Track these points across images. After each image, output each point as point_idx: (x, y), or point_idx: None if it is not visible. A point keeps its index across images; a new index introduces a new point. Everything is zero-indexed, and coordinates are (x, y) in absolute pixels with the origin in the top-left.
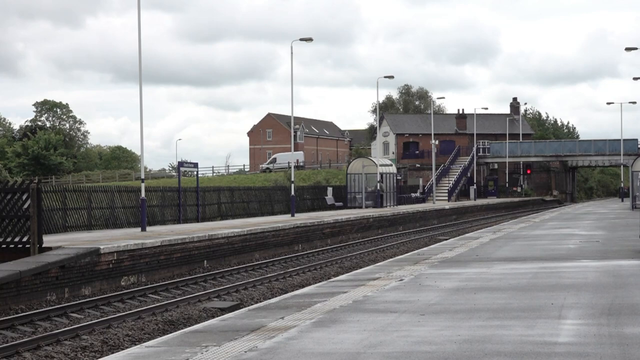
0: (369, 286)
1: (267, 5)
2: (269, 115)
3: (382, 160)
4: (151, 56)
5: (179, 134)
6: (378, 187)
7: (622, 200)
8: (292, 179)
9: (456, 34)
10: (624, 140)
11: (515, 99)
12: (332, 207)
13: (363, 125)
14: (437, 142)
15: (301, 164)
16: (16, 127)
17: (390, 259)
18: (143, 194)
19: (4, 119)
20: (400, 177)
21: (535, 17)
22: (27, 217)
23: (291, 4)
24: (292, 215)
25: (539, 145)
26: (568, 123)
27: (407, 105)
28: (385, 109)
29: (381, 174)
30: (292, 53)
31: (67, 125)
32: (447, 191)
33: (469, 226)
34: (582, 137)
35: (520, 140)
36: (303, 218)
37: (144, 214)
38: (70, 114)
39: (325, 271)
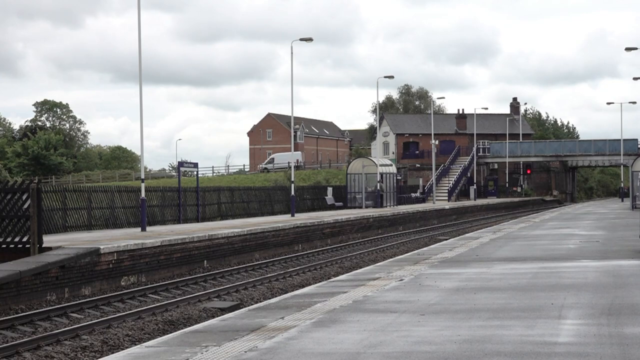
0: (369, 286)
1: (266, 5)
2: (269, 115)
3: (382, 160)
4: (151, 56)
5: (179, 134)
6: (378, 187)
7: (622, 200)
8: (292, 179)
9: (456, 34)
10: (624, 140)
11: (515, 99)
12: (332, 207)
13: (363, 125)
14: (437, 142)
15: (300, 164)
16: (16, 127)
17: (390, 259)
18: (143, 194)
19: (4, 119)
20: (400, 177)
21: (535, 17)
22: (27, 217)
23: (291, 4)
24: (292, 215)
25: (539, 145)
26: (568, 123)
27: (407, 105)
28: (385, 109)
29: (381, 174)
30: (292, 53)
31: (67, 125)
32: (447, 191)
33: (469, 226)
34: (582, 137)
35: (520, 140)
36: (303, 218)
37: (144, 214)
38: (70, 114)
39: (325, 271)
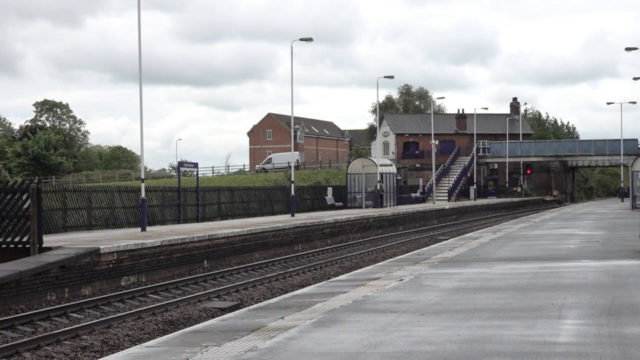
0: (369, 286)
1: (266, 5)
2: (269, 115)
3: (382, 160)
4: (151, 56)
5: (179, 134)
6: (378, 187)
7: (622, 200)
8: (292, 179)
9: (456, 34)
10: (624, 140)
11: (515, 99)
12: (332, 207)
13: (363, 125)
14: (437, 142)
15: (298, 164)
16: (16, 127)
17: (390, 259)
18: (143, 194)
19: (4, 119)
20: (400, 177)
21: (535, 17)
22: (27, 217)
23: (291, 4)
24: (292, 215)
25: (539, 145)
26: (568, 123)
27: (407, 105)
28: (385, 109)
29: (381, 174)
30: (292, 53)
31: (67, 125)
32: (447, 191)
33: (469, 226)
34: (582, 137)
35: (520, 140)
36: (303, 218)
37: (144, 214)
38: (70, 114)
39: (325, 271)
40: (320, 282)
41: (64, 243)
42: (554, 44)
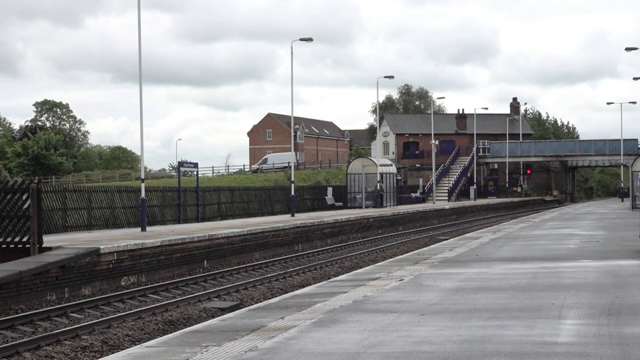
0: (369, 286)
1: (266, 5)
2: (269, 115)
3: (382, 160)
4: (151, 56)
5: (179, 134)
6: (378, 187)
7: (622, 200)
8: (292, 179)
9: (456, 34)
10: (624, 140)
11: (515, 99)
12: (332, 207)
13: (363, 125)
14: (437, 142)
15: (294, 164)
16: (16, 127)
17: (390, 259)
18: (143, 194)
19: (4, 119)
20: (400, 177)
21: (535, 17)
22: (27, 217)
23: (290, 4)
24: (292, 215)
25: (539, 145)
26: (568, 123)
27: (407, 105)
28: (385, 109)
29: (381, 174)
30: (292, 53)
31: (67, 125)
32: (447, 191)
33: (469, 226)
34: (582, 137)
35: (520, 140)
36: (303, 218)
37: (143, 214)
38: (70, 114)
39: (325, 271)
40: (320, 282)
41: (64, 243)
42: (554, 44)
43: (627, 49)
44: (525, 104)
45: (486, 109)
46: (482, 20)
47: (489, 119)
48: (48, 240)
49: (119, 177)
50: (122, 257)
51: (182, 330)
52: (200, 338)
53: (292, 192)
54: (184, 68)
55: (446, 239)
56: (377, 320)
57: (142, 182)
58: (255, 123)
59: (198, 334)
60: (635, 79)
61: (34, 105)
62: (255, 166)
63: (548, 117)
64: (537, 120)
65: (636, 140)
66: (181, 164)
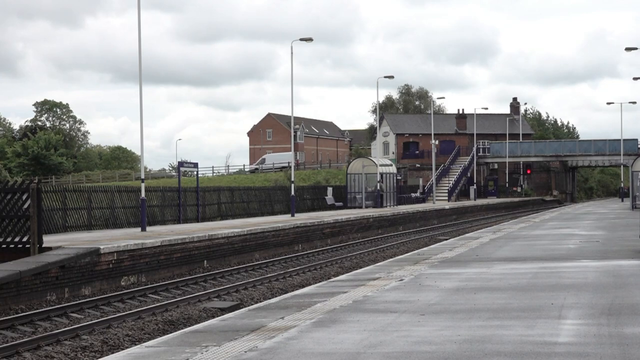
0: (369, 286)
1: (266, 5)
2: (269, 115)
3: (382, 160)
4: (151, 56)
5: (179, 134)
6: (378, 187)
7: (622, 200)
8: (292, 179)
9: (455, 34)
10: (624, 140)
11: (515, 99)
12: (332, 207)
13: (363, 125)
14: (437, 142)
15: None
16: (16, 127)
17: (390, 259)
18: (143, 194)
19: (4, 119)
20: (400, 177)
21: (534, 17)
22: (27, 217)
23: (290, 4)
24: (292, 215)
25: (539, 145)
26: (568, 123)
27: (407, 105)
28: (385, 109)
29: (381, 174)
30: (292, 53)
31: (67, 125)
32: (447, 191)
33: (469, 226)
34: (582, 137)
35: (520, 140)
36: (303, 218)
37: (143, 214)
38: (70, 114)
39: (325, 271)
40: (320, 282)
41: (64, 243)
42: (554, 44)
43: (627, 49)
44: (525, 104)
45: (486, 109)
46: (482, 20)
47: (489, 119)
48: (48, 240)
49: (119, 177)
50: (122, 257)
51: (182, 330)
52: (200, 338)
53: (292, 192)
54: (184, 68)
55: (446, 239)
56: (377, 320)
57: (142, 182)
58: (255, 123)
59: (198, 334)
60: (635, 79)
61: (34, 105)
62: (252, 166)
63: (548, 117)
64: (537, 120)
65: (636, 140)
66: (181, 164)
